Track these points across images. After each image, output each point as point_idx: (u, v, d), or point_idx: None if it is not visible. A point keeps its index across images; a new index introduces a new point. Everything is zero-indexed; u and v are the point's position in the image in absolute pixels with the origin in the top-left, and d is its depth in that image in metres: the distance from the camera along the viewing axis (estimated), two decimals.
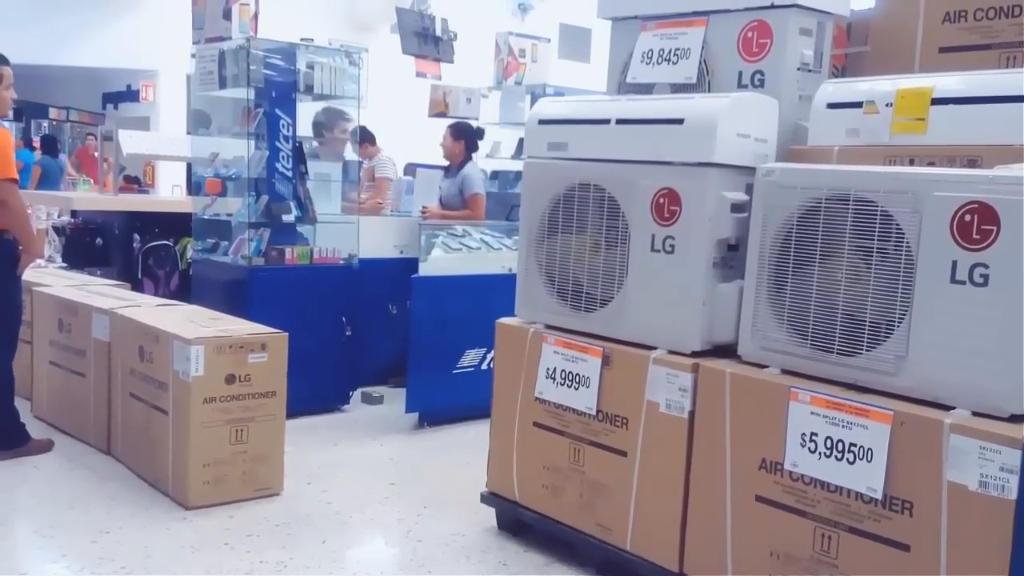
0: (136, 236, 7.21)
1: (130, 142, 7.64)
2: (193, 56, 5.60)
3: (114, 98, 18.45)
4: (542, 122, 3.59)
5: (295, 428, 4.89)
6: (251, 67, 5.28)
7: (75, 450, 4.70)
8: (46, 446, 4.64)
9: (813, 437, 2.71)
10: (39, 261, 6.11)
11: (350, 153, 6.49)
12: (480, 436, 3.85)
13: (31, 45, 15.35)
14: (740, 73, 3.36)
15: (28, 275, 5.18)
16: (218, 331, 4.10)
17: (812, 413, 2.71)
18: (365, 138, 6.78)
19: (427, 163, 7.40)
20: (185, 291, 6.37)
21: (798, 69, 3.31)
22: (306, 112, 5.62)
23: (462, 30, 8.22)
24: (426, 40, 8.28)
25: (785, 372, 2.87)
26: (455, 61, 8.32)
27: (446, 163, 6.83)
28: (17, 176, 4.41)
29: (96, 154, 10.20)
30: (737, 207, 3.08)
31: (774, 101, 3.21)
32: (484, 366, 5.35)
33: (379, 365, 6.21)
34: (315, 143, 6.22)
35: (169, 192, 11.85)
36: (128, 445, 4.49)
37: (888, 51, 3.46)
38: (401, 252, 6.24)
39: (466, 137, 6.69)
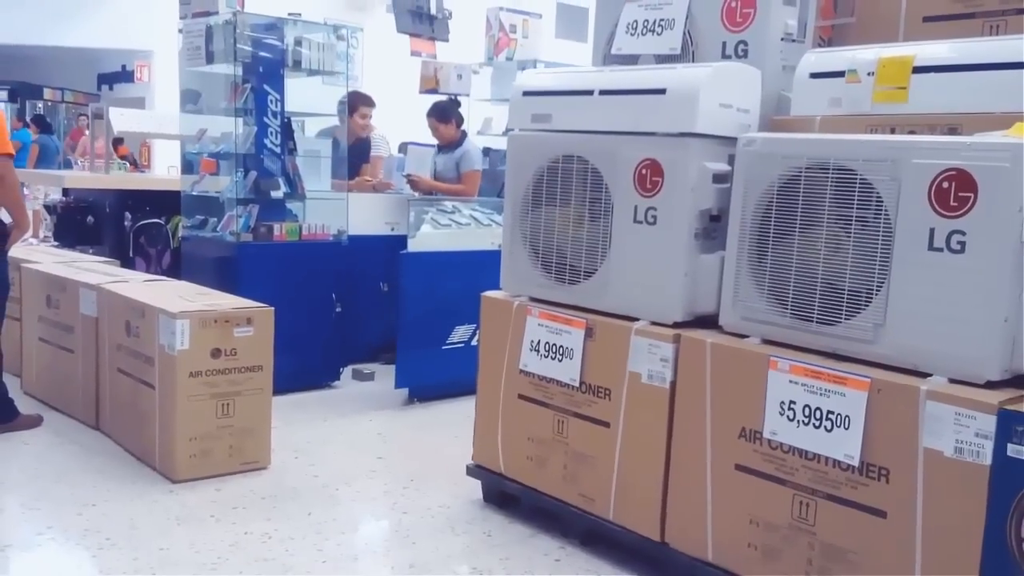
0: (127, 214, 7.20)
1: (121, 120, 7.63)
2: (180, 31, 5.59)
3: (109, 79, 18.40)
4: (526, 94, 3.58)
5: (284, 404, 4.92)
6: (238, 42, 5.26)
7: (64, 425, 4.71)
8: (35, 421, 4.65)
9: (791, 405, 2.72)
10: (30, 240, 6.13)
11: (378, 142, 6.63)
12: (469, 412, 3.86)
13: (24, 24, 15.31)
14: (724, 43, 3.35)
15: (19, 252, 5.20)
16: (204, 305, 4.10)
17: (791, 382, 2.72)
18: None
19: (422, 142, 7.38)
20: (177, 270, 6.36)
21: (782, 39, 3.30)
22: (294, 88, 5.59)
23: (456, 6, 8.17)
24: (421, 19, 8.23)
25: (765, 342, 2.88)
26: (450, 40, 8.28)
27: (437, 142, 6.83)
28: (12, 151, 4.46)
29: (87, 133, 10.18)
30: (719, 177, 3.08)
31: (757, 71, 3.21)
32: (474, 342, 5.35)
33: (370, 342, 6.22)
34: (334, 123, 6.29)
35: (165, 173, 11.84)
36: (116, 420, 4.50)
37: (873, 21, 3.44)
38: (392, 229, 6.24)
39: (452, 115, 6.68)
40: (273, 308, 4.18)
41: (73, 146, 15.22)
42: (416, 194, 6.45)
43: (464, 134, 6.75)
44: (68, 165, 14.23)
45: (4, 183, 4.35)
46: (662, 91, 3.10)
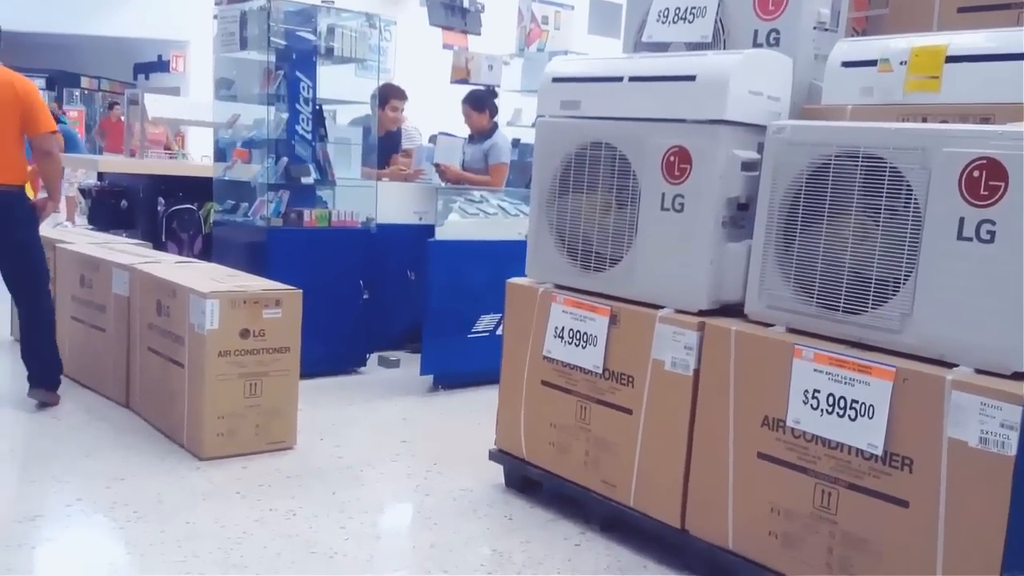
0: (160, 200, 7.26)
1: (155, 106, 7.69)
2: (215, 17, 5.63)
3: (145, 68, 18.58)
4: (556, 80, 3.58)
5: (310, 388, 4.95)
6: (271, 29, 5.28)
7: (95, 403, 4.77)
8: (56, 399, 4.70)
9: (815, 394, 2.70)
10: (66, 223, 6.20)
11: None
12: (493, 400, 3.87)
13: (62, 13, 15.48)
14: (756, 32, 3.33)
15: (53, 233, 5.26)
16: (234, 286, 4.13)
17: (815, 370, 2.70)
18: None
19: (452, 133, 7.39)
20: (208, 255, 6.41)
21: (814, 28, 3.27)
22: (326, 76, 5.62)
23: None
24: (453, 11, 8.24)
25: (790, 331, 2.86)
26: (482, 33, 8.28)
27: (469, 132, 6.84)
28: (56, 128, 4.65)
29: (122, 119, 10.26)
30: (748, 165, 3.06)
31: (788, 59, 3.19)
32: (499, 332, 5.36)
33: (397, 330, 6.23)
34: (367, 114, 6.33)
35: (199, 161, 11.92)
36: (145, 398, 4.55)
37: (907, 12, 3.41)
38: (420, 219, 6.25)
39: (488, 105, 6.70)
40: (301, 291, 4.21)
41: (103, 133, 15.32)
42: (444, 183, 6.46)
43: (496, 125, 6.76)
44: (97, 153, 14.36)
45: (52, 158, 4.54)
46: (692, 78, 3.08)
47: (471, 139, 6.78)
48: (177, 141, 13.18)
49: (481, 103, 6.63)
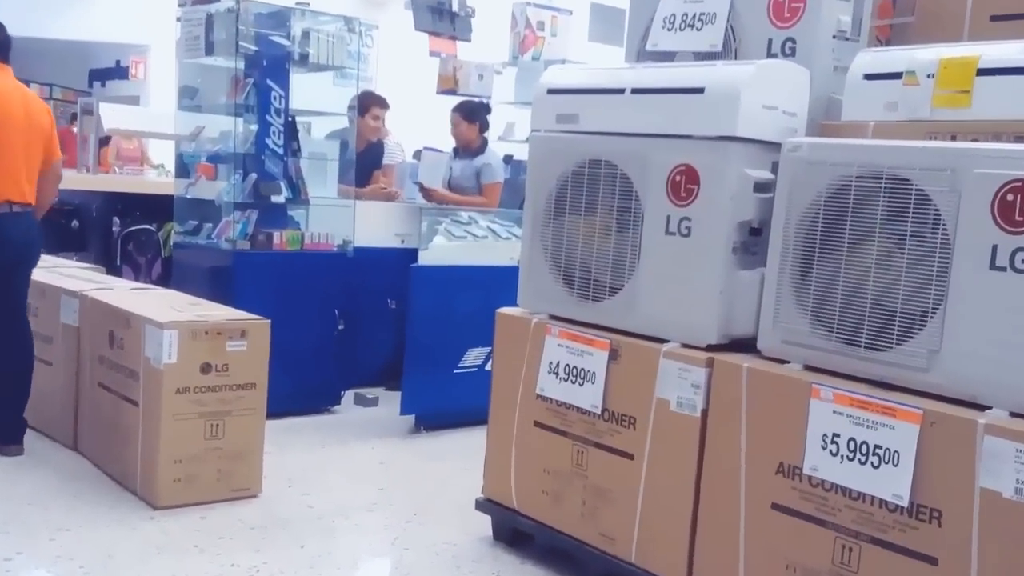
0: (115, 219, 7.28)
1: (112, 116, 7.72)
2: (178, 20, 5.66)
3: (101, 75, 18.60)
4: (551, 91, 3.60)
5: (278, 428, 4.94)
6: (240, 32, 5.32)
7: (39, 445, 4.74)
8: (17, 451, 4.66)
9: (835, 438, 2.70)
10: None
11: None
12: (480, 442, 3.87)
13: (7, 14, 15.51)
14: (770, 40, 3.36)
15: None
16: (194, 316, 4.13)
17: (835, 412, 2.71)
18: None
19: (438, 148, 7.42)
20: (167, 281, 6.41)
21: (834, 37, 3.31)
22: (300, 85, 5.65)
23: (479, 1, 8.23)
24: (441, 16, 8.30)
25: (807, 368, 2.87)
26: (472, 39, 8.34)
27: (455, 146, 6.87)
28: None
29: (75, 130, 10.31)
30: (761, 186, 3.08)
31: (805, 71, 3.21)
32: (488, 367, 5.35)
33: (375, 364, 6.23)
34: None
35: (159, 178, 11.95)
36: (95, 440, 4.53)
37: (935, 20, 3.45)
38: (403, 241, 6.27)
39: (480, 118, 6.75)
40: (269, 321, 4.21)
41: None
42: (428, 203, 6.48)
43: (485, 142, 6.80)
44: None
45: (57, 180, 4.86)
46: (700, 90, 3.11)
47: (457, 153, 6.81)
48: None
49: (473, 115, 6.68)
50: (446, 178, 6.70)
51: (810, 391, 2.77)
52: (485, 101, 7.19)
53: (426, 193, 6.60)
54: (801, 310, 2.88)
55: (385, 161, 7.25)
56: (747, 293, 3.07)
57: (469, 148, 6.71)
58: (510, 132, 7.74)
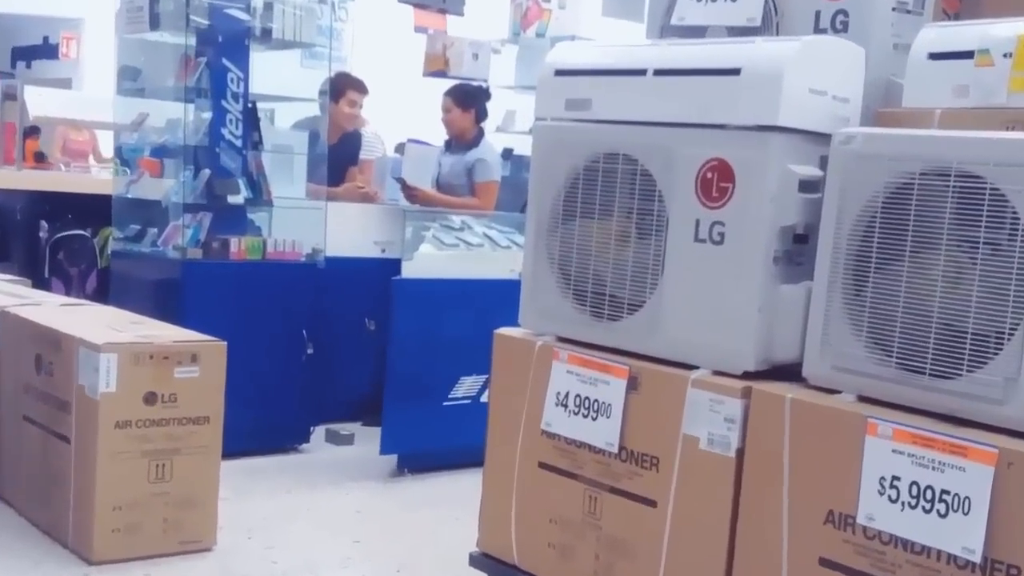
0: (43, 223, 7.29)
1: (39, 102, 7.74)
2: None
3: (26, 54, 18.67)
4: (560, 72, 3.62)
5: (236, 469, 4.94)
6: (191, 2, 5.34)
7: None
8: None
9: (895, 482, 2.70)
10: None
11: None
12: (475, 487, 3.87)
13: None
14: (818, 13, 3.38)
15: None
16: (137, 337, 4.15)
17: (894, 451, 2.71)
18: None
19: (424, 140, 7.44)
20: (105, 296, 6.43)
21: (894, 9, 3.33)
22: (262, 65, 5.67)
23: None
24: None
25: (862, 399, 2.87)
26: (465, 13, 8.38)
27: (446, 138, 6.90)
28: None
29: None
30: (807, 185, 3.08)
31: (860, 49, 3.23)
32: (484, 398, 5.37)
33: (350, 396, 6.25)
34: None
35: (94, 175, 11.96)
36: (19, 483, 4.54)
37: None
38: (383, 251, 6.30)
39: (476, 105, 6.77)
40: (225, 343, 4.21)
41: None
42: (412, 206, 6.49)
43: (481, 133, 6.82)
44: None
45: None
46: (736, 71, 3.12)
47: (449, 147, 6.83)
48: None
49: (469, 100, 6.70)
50: (434, 176, 6.71)
51: (865, 426, 2.77)
52: (484, 86, 7.20)
53: (409, 193, 6.61)
54: (855, 331, 2.88)
55: (362, 156, 7.28)
56: (791, 311, 3.08)
57: (463, 140, 6.73)
58: (510, 122, 7.77)
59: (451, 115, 6.73)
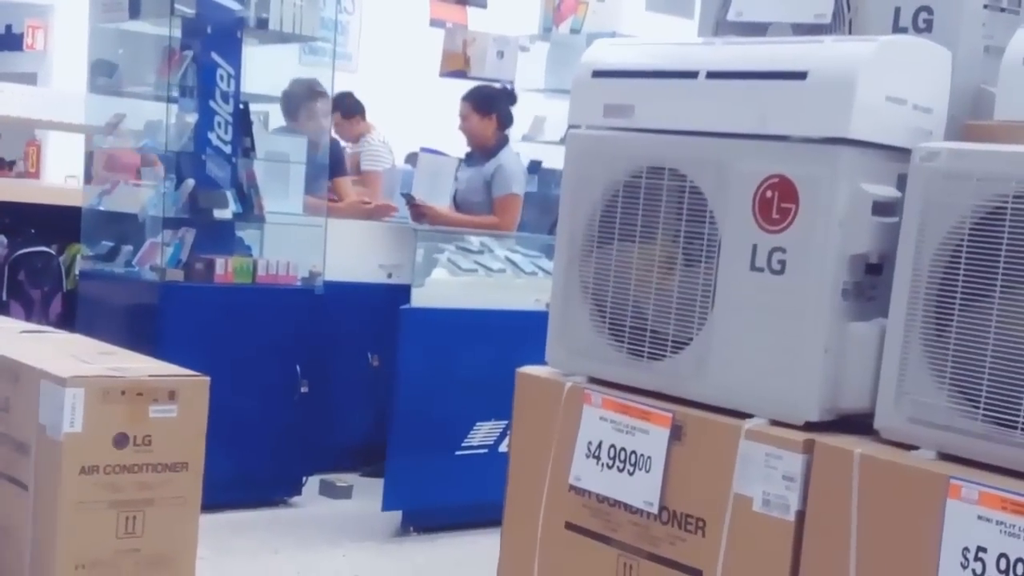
0: (2, 238, 7.33)
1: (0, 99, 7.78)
2: None
3: None
4: (598, 74, 3.62)
5: (218, 524, 4.93)
6: None
7: None
8: None
9: (980, 554, 2.68)
10: None
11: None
12: (492, 550, 3.87)
13: None
14: (897, 10, 3.38)
15: None
16: (107, 369, 4.15)
17: (979, 517, 2.69)
18: (352, 111, 6.88)
19: (439, 150, 7.46)
20: (71, 322, 6.45)
21: (985, 7, 3.32)
22: (256, 61, 5.70)
23: None
24: None
25: (943, 457, 2.85)
26: (489, 4, 8.42)
27: (468, 149, 6.91)
28: None
29: None
30: (882, 207, 3.07)
31: (946, 52, 3.22)
32: (503, 447, 5.35)
33: (349, 442, 6.26)
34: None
35: (62, 183, 12.02)
36: None
37: None
38: (390, 276, 6.31)
39: (498, 110, 6.77)
40: (208, 379, 4.21)
41: None
42: (423, 226, 6.49)
43: (505, 140, 6.81)
44: None
45: None
46: (801, 75, 3.11)
47: (469, 159, 6.84)
48: (28, 153, 13.31)
49: (489, 104, 6.70)
50: (451, 191, 6.72)
51: (947, 488, 2.75)
52: (508, 87, 7.21)
53: (417, 211, 6.58)
54: (936, 377, 2.86)
55: (368, 166, 7.30)
56: (862, 352, 3.06)
57: (484, 150, 6.73)
58: (539, 130, 7.79)
59: (469, 123, 6.72)
